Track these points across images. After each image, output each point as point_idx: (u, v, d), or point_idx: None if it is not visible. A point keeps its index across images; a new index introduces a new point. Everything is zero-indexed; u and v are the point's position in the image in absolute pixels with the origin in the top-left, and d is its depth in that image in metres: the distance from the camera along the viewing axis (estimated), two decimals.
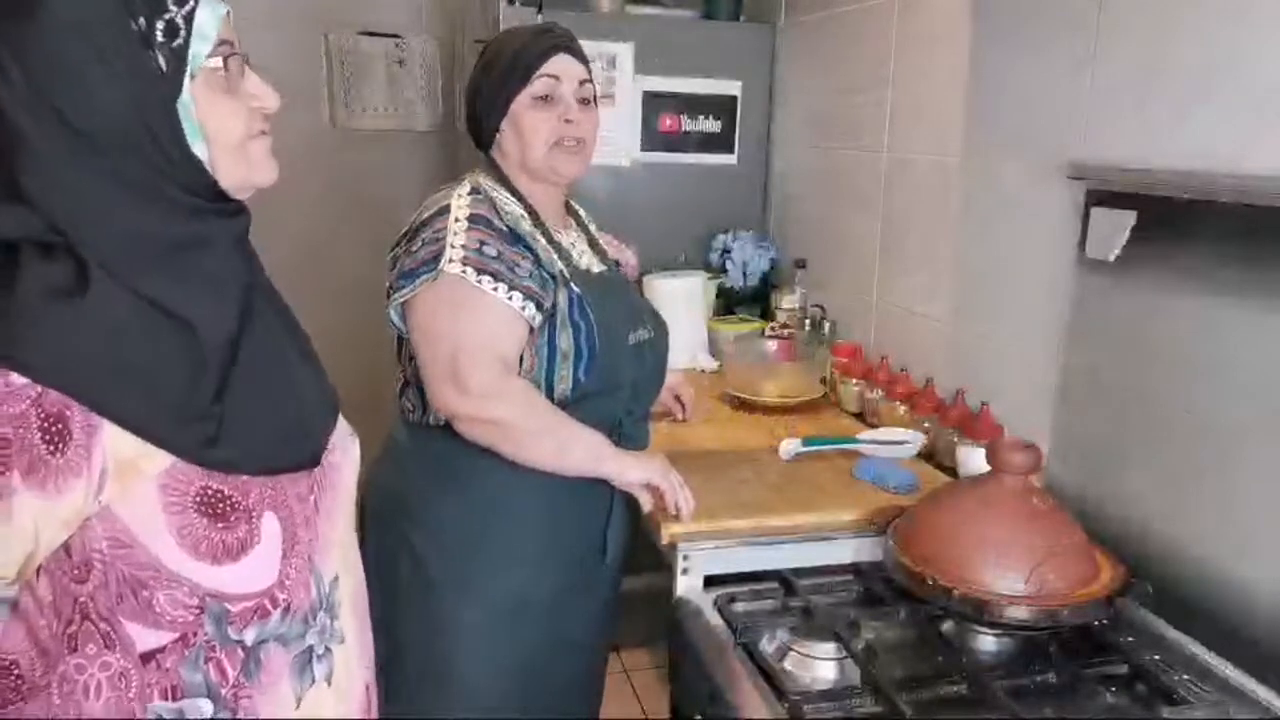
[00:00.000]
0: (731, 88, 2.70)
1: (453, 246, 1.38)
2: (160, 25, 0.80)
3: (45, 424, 0.76)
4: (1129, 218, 1.43)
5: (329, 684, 0.97)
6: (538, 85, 1.48)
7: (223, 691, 0.88)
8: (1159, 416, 1.39)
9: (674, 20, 2.76)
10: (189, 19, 0.81)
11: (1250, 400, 1.25)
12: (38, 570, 0.82)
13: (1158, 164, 1.41)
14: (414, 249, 1.41)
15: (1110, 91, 1.50)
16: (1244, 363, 1.26)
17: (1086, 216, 1.51)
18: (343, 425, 1.04)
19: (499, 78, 1.49)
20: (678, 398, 1.91)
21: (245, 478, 0.86)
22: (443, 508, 1.49)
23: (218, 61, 0.83)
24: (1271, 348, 1.22)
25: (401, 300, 1.41)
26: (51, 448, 0.76)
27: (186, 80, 0.81)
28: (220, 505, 0.84)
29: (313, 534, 0.94)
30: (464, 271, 1.37)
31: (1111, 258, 1.46)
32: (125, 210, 0.81)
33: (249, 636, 0.89)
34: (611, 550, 1.58)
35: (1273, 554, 1.23)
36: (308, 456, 0.94)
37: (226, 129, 0.85)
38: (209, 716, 0.87)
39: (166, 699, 0.86)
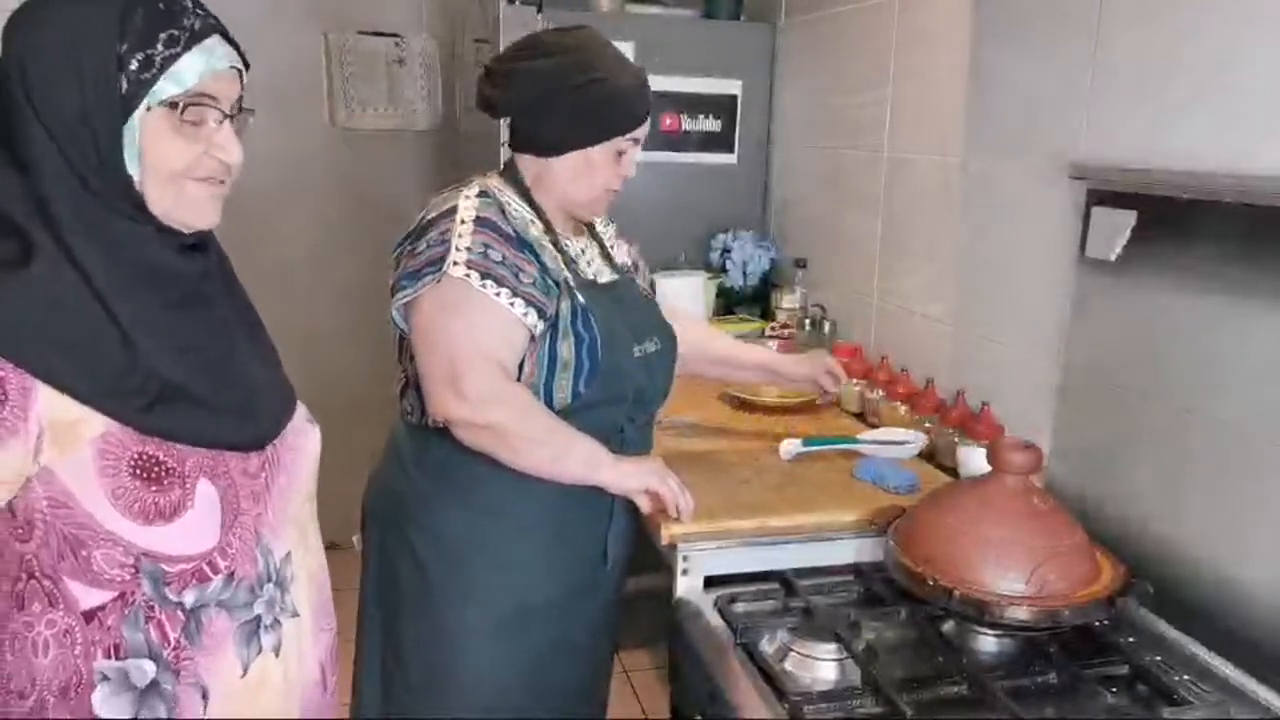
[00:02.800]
0: (731, 87, 2.70)
1: (458, 249, 1.37)
2: (139, 57, 0.87)
3: None
4: (1129, 218, 1.43)
5: (277, 655, 1.00)
6: (627, 143, 1.47)
7: (164, 653, 0.92)
8: (1159, 416, 1.39)
9: (674, 20, 2.76)
10: (168, 61, 0.88)
11: (1251, 400, 1.25)
12: None
13: (1158, 164, 1.40)
14: (418, 250, 1.40)
15: (1110, 91, 1.50)
16: (1244, 362, 1.26)
17: (1087, 216, 1.51)
18: (301, 412, 1.08)
19: (600, 110, 1.44)
20: (829, 372, 1.82)
21: (182, 446, 0.90)
22: (442, 512, 1.48)
23: (178, 105, 0.89)
24: (1272, 347, 1.22)
25: (404, 301, 1.40)
26: None
27: (140, 109, 0.87)
28: (155, 469, 0.88)
29: (261, 508, 0.98)
30: (467, 274, 1.36)
31: (1112, 258, 1.46)
32: (71, 190, 0.86)
33: (188, 599, 0.93)
34: (613, 555, 1.57)
35: (1273, 554, 1.23)
36: (249, 438, 0.98)
37: (162, 160, 0.90)
38: (152, 677, 0.91)
39: (110, 657, 0.90)
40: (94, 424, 0.85)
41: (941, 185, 1.97)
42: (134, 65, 0.86)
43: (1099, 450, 1.52)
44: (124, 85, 0.86)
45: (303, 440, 1.07)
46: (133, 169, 0.89)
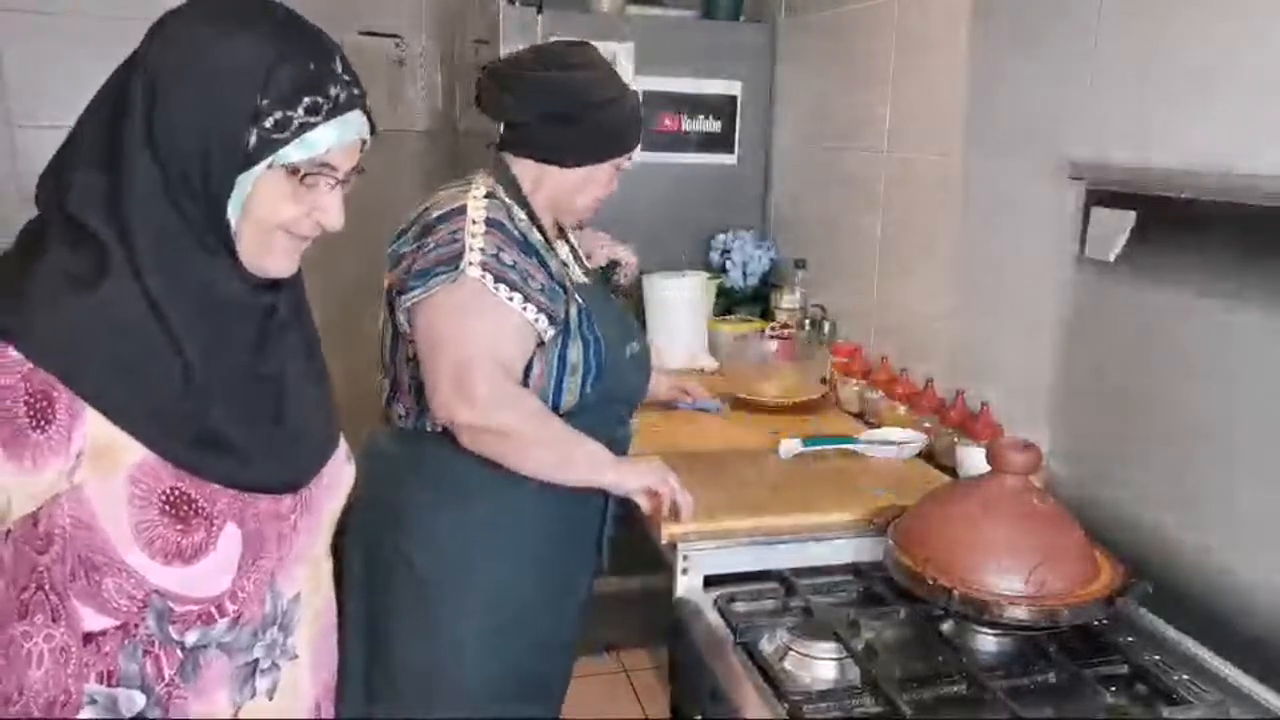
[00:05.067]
0: (731, 88, 2.69)
1: (471, 249, 1.36)
2: (276, 116, 0.83)
3: (31, 400, 0.79)
4: (1129, 218, 1.43)
5: (270, 699, 0.98)
6: (624, 159, 1.53)
7: (157, 688, 0.90)
8: (1159, 416, 1.39)
9: (674, 20, 2.76)
10: (304, 127, 0.85)
11: (1250, 399, 1.25)
12: (6, 535, 0.87)
13: (1158, 164, 1.40)
14: (426, 248, 1.38)
15: (1110, 91, 1.50)
16: (1244, 362, 1.26)
17: (1086, 216, 1.51)
18: (342, 449, 1.06)
19: (619, 126, 1.50)
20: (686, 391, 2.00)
21: (216, 486, 0.88)
22: (439, 516, 1.47)
23: (299, 171, 0.86)
24: (1271, 347, 1.22)
25: (412, 301, 1.38)
26: (34, 423, 0.79)
27: (262, 166, 0.84)
28: (184, 508, 0.86)
29: (284, 551, 0.96)
30: (483, 276, 1.35)
31: (1111, 258, 1.46)
32: (159, 212, 0.83)
33: (190, 639, 0.91)
34: (609, 556, 1.57)
35: (1273, 554, 1.23)
36: (287, 482, 0.95)
37: (265, 210, 0.87)
38: (139, 710, 0.90)
39: (102, 683, 0.89)
40: (134, 451, 0.84)
41: (941, 185, 1.97)
42: (269, 123, 0.83)
43: (1098, 450, 1.52)
44: (253, 140, 0.83)
45: (336, 480, 1.04)
46: (233, 215, 0.86)
